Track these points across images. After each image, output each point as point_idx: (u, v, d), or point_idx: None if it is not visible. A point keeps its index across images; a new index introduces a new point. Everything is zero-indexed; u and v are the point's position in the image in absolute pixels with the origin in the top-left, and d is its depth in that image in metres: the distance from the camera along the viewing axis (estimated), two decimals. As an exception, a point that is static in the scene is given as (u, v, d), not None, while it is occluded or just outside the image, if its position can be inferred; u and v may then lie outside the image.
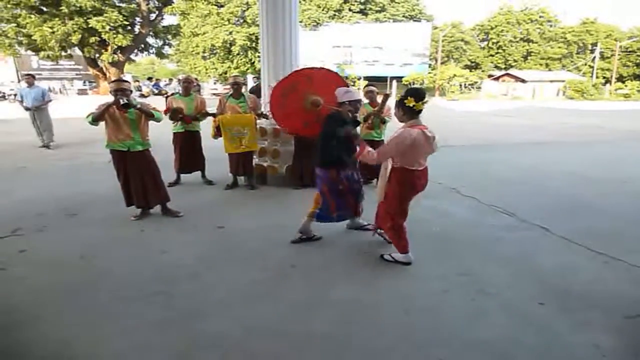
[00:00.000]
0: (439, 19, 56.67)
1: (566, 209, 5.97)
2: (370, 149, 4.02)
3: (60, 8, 25.45)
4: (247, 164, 6.86)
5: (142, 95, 29.60)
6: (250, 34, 42.65)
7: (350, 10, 46.40)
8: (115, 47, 28.37)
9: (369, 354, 2.83)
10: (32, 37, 26.33)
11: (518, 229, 5.19)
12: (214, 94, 36.28)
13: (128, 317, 3.21)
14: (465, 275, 3.90)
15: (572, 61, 58.12)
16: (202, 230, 5.06)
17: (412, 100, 3.74)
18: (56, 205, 5.97)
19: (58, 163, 9.07)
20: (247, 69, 44.23)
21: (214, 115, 6.76)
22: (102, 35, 27.16)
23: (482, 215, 5.71)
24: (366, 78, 38.87)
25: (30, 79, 10.76)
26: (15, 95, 13.85)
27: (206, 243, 4.69)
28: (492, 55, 58.59)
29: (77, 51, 30.81)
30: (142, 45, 32.16)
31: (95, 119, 4.93)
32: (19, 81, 31.52)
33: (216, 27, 44.89)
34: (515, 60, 57.73)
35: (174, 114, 6.58)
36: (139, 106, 5.03)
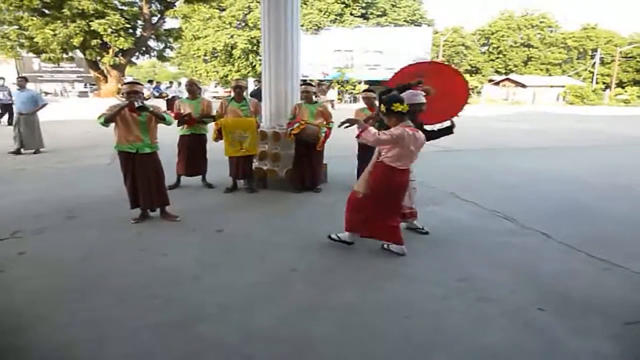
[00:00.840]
0: (440, 23, 57.05)
1: (567, 214, 5.97)
2: (372, 128, 4.17)
3: (63, 11, 25.45)
4: (247, 167, 6.85)
5: (144, 98, 29.48)
6: (251, 38, 42.72)
7: (351, 14, 46.43)
8: (117, 49, 28.38)
9: (369, 359, 2.82)
10: (34, 40, 26.33)
11: (519, 234, 5.18)
12: (215, 97, 36.30)
13: (128, 320, 3.20)
14: (466, 281, 3.89)
15: (572, 66, 58.17)
16: (201, 234, 5.06)
17: (399, 105, 4.06)
18: (56, 208, 5.96)
19: (57, 165, 9.07)
20: (248, 73, 44.26)
21: (215, 118, 6.77)
22: (104, 38, 27.14)
23: (482, 220, 5.70)
24: (367, 82, 38.84)
25: (22, 82, 10.70)
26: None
27: (206, 246, 4.69)
28: (492, 60, 58.63)
29: (78, 54, 30.83)
30: (144, 48, 32.12)
31: (107, 120, 4.93)
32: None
33: (218, 30, 44.96)
34: (515, 65, 57.76)
35: (182, 121, 6.69)
36: (151, 109, 5.05)
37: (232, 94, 6.83)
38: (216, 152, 7.02)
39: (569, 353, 2.89)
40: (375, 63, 45.72)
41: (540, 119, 23.81)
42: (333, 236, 4.64)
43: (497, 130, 17.23)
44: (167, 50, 34.93)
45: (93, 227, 5.21)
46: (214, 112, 6.92)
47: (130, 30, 29.41)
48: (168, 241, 4.81)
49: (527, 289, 3.75)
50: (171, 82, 31.70)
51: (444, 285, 3.81)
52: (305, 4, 43.27)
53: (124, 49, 28.42)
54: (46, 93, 31.27)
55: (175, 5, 29.97)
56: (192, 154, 6.98)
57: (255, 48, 42.41)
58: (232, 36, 44.12)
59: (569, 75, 54.69)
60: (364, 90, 6.96)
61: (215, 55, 46.74)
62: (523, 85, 47.83)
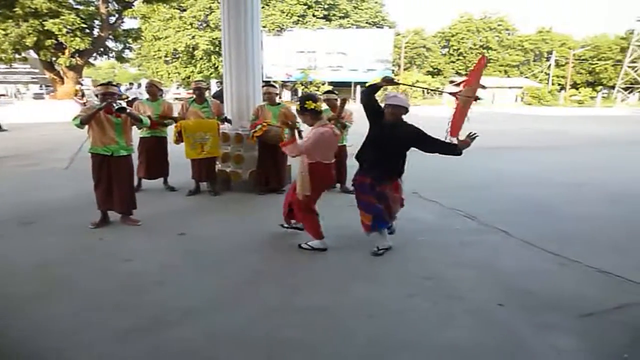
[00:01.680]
0: (401, 25, 57.52)
1: (526, 212, 6.12)
2: (298, 141, 4.57)
3: (14, 10, 24.55)
4: (209, 169, 6.76)
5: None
6: (213, 39, 42.28)
7: (314, 16, 46.59)
8: (73, 50, 27.55)
9: (335, 361, 2.81)
10: (-17, 40, 25.36)
11: (480, 232, 5.28)
12: (177, 98, 35.73)
13: (90, 329, 3.09)
14: (430, 279, 3.94)
15: (529, 68, 59.95)
16: (165, 238, 4.95)
17: (312, 103, 4.37)
18: (11, 213, 5.71)
19: (14, 169, 8.71)
20: (211, 74, 43.84)
21: (176, 119, 6.65)
22: (59, 38, 26.29)
23: (445, 219, 5.79)
24: (331, 83, 39.03)
25: None
26: None
27: (170, 250, 4.59)
28: (453, 62, 59.77)
29: (32, 54, 29.85)
30: (102, 49, 31.31)
31: (83, 122, 4.81)
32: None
33: (179, 31, 44.35)
34: (475, 67, 59.07)
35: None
36: (129, 110, 4.99)
37: (194, 96, 6.73)
38: (178, 154, 6.89)
39: (529, 347, 2.95)
40: (339, 64, 46.04)
41: (499, 119, 24.40)
42: (304, 245, 4.60)
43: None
44: (127, 51, 34.17)
45: (52, 233, 5.01)
46: (175, 114, 6.80)
47: (87, 31, 28.60)
48: (131, 246, 4.68)
49: (490, 286, 3.83)
50: (131, 84, 31.04)
51: (410, 284, 3.85)
52: (267, 5, 43.19)
53: (81, 49, 27.62)
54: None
55: (133, 5, 29.30)
56: (153, 157, 6.84)
57: (217, 49, 41.98)
58: (193, 37, 43.61)
59: (526, 77, 56.37)
60: (325, 92, 6.96)
61: (177, 56, 46.09)
62: (483, 87, 48.60)
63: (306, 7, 46.20)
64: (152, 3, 28.17)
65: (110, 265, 4.20)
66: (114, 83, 5.51)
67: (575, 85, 55.72)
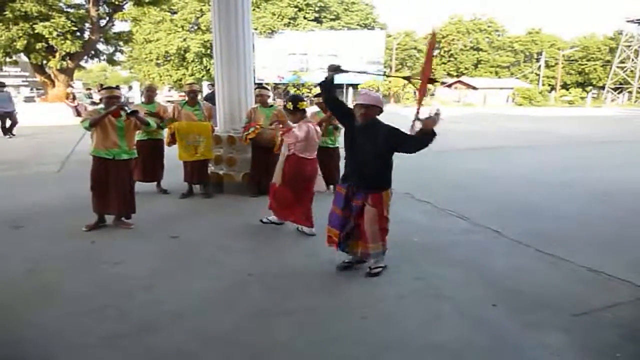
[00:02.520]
0: (392, 27, 57.36)
1: (516, 212, 6.18)
2: (295, 130, 4.75)
3: (4, 13, 24.38)
4: (202, 172, 6.76)
5: (94, 103, 28.67)
6: (204, 41, 42.14)
7: (305, 18, 46.60)
8: (64, 53, 27.37)
9: (327, 362, 2.83)
10: (-26, 43, 25.14)
11: (471, 232, 5.33)
12: (169, 101, 35.65)
13: (78, 333, 3.09)
14: (421, 280, 3.97)
15: (519, 69, 60.32)
16: (156, 241, 4.95)
17: (303, 104, 4.91)
18: (1, 217, 5.68)
19: (3, 173, 8.66)
20: (202, 76, 43.65)
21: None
22: (50, 41, 26.12)
23: (436, 219, 5.83)
24: (322, 85, 38.97)
25: None
26: None
27: (161, 253, 4.59)
28: (444, 64, 60.01)
29: (23, 57, 29.63)
30: (93, 52, 31.13)
31: (92, 125, 4.86)
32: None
33: (170, 33, 44.16)
34: (466, 68, 59.33)
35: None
36: (140, 114, 5.04)
37: (186, 98, 6.73)
38: (171, 157, 6.88)
39: (519, 347, 2.99)
40: (330, 66, 45.90)
41: (490, 120, 24.54)
42: (264, 219, 5.36)
43: (449, 132, 17.58)
44: (118, 53, 33.99)
45: (41, 237, 4.99)
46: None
47: (78, 34, 28.39)
48: (121, 249, 4.67)
49: (480, 285, 3.87)
50: (117, 87, 30.89)
51: (400, 285, 3.88)
52: (259, 8, 43.10)
53: (71, 52, 27.42)
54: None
55: (124, 8, 29.18)
56: (150, 159, 6.81)
57: (209, 51, 41.82)
58: (185, 39, 43.44)
59: (517, 78, 56.67)
60: (317, 95, 6.98)
61: (168, 58, 45.89)
62: (474, 88, 49.20)
63: (297, 9, 46.20)
64: (143, 6, 28.01)
65: (100, 268, 4.20)
66: (117, 87, 5.53)
67: (565, 86, 56.13)
